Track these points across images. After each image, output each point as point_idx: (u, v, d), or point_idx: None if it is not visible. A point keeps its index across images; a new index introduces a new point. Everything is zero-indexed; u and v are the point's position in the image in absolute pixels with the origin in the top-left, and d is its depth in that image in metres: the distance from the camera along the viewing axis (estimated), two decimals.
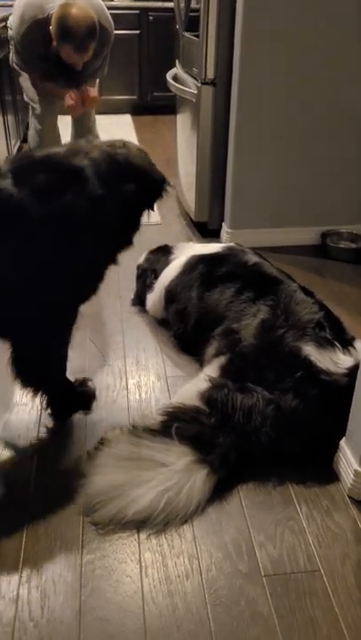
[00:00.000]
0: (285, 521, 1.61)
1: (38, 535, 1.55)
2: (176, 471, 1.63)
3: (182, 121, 3.60)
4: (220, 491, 1.67)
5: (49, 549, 1.51)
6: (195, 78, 3.16)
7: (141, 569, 1.47)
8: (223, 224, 3.29)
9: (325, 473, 1.76)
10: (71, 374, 1.95)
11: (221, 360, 1.95)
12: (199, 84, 3.05)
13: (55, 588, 1.42)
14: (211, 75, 3.00)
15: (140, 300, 2.61)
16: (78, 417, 1.96)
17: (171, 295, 2.38)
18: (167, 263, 2.49)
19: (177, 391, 2.00)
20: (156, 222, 3.60)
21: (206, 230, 3.36)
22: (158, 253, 2.65)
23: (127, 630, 1.33)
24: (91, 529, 1.56)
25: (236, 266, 2.26)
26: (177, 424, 1.73)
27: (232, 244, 2.49)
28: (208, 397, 1.81)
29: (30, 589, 1.42)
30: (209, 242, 2.85)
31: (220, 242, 3.22)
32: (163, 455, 1.65)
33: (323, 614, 1.38)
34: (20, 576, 1.45)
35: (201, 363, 2.14)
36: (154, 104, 6.01)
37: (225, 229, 3.24)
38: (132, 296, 2.69)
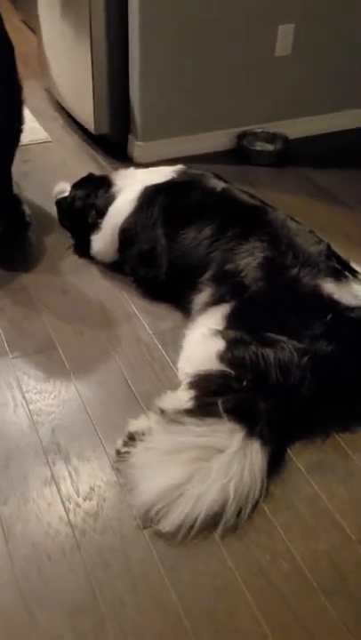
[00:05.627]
0: (350, 477, 1.53)
1: (104, 562, 1.31)
2: (233, 453, 1.44)
3: (50, 6, 2.97)
4: (273, 464, 1.52)
5: (124, 573, 1.29)
6: None
7: (228, 565, 1.31)
8: (130, 136, 2.89)
9: None
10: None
11: (225, 309, 1.74)
12: None
13: (154, 607, 1.22)
14: None
15: (82, 246, 2.22)
16: (81, 418, 1.64)
17: (128, 235, 2.05)
18: (112, 197, 2.12)
19: (181, 352, 1.75)
20: (45, 139, 3.08)
21: (109, 144, 2.94)
22: (89, 186, 2.25)
23: (240, 617, 1.23)
24: (159, 541, 1.35)
25: (204, 195, 1.99)
26: (216, 399, 1.51)
27: (180, 166, 2.17)
28: (232, 358, 1.60)
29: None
30: (119, 163, 2.48)
31: (131, 157, 2.87)
32: (213, 439, 1.45)
33: None
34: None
35: (186, 312, 1.91)
36: None
37: (135, 143, 2.85)
38: (72, 243, 2.28)
